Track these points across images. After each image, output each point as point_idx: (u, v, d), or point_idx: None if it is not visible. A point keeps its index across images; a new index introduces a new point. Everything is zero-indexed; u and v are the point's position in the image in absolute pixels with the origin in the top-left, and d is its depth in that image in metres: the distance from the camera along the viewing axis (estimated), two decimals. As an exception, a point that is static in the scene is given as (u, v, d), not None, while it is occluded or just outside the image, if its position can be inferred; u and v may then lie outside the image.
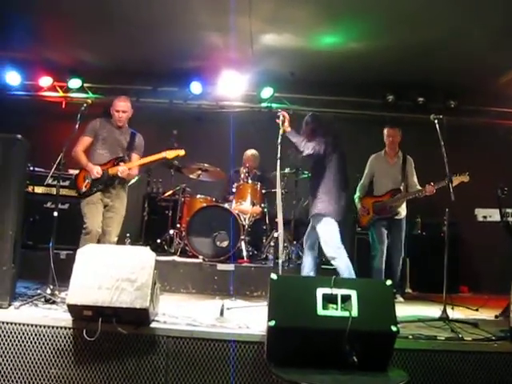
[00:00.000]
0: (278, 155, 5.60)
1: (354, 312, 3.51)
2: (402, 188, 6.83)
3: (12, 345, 4.16)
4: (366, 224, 6.97)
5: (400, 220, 6.88)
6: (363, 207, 7.01)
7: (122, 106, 6.03)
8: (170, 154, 6.21)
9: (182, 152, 6.29)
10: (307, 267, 6.02)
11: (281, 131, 5.71)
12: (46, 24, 7.79)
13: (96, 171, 5.80)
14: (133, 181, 6.46)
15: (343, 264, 5.66)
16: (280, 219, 5.55)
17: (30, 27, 7.73)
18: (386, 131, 7.01)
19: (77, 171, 6.04)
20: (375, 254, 6.81)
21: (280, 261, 5.72)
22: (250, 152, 8.27)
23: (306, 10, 7.05)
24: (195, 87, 9.41)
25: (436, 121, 5.33)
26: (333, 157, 5.84)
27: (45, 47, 8.64)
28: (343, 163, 5.95)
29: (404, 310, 5.93)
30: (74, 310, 4.08)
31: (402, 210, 6.90)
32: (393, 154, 7.02)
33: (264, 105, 9.69)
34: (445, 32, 7.23)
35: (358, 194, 7.14)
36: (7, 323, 4.18)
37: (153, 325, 4.23)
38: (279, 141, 5.68)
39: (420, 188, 6.70)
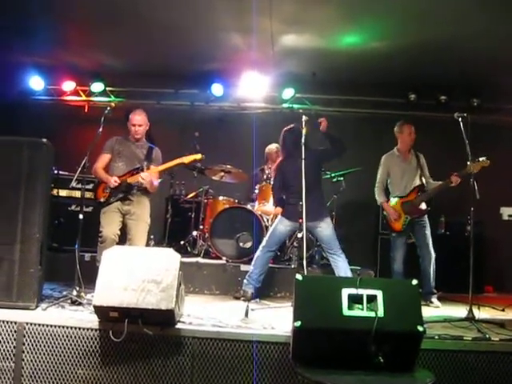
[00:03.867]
0: (303, 155, 5.56)
1: (380, 312, 3.49)
2: (425, 184, 6.58)
3: (39, 346, 4.22)
4: (402, 228, 6.52)
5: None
6: (394, 211, 6.58)
7: (138, 120, 6.05)
8: (186, 159, 6.22)
9: (198, 156, 6.29)
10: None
11: (304, 131, 5.71)
12: (68, 28, 7.83)
13: (113, 180, 5.85)
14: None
15: None
16: (304, 219, 5.51)
17: (52, 32, 7.78)
18: (406, 128, 6.66)
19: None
20: (395, 255, 6.57)
21: (305, 262, 5.65)
22: (275, 146, 7.92)
23: (327, 11, 7.01)
24: (216, 89, 9.42)
25: (460, 119, 5.29)
26: None
27: (67, 52, 8.70)
28: None
29: (429, 310, 5.91)
30: (100, 311, 4.12)
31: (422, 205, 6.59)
32: (408, 151, 6.74)
33: (285, 105, 9.66)
34: (467, 30, 7.13)
35: (381, 198, 6.74)
36: (34, 324, 4.25)
37: (178, 326, 4.25)
38: (303, 141, 5.67)
39: (444, 181, 6.30)
